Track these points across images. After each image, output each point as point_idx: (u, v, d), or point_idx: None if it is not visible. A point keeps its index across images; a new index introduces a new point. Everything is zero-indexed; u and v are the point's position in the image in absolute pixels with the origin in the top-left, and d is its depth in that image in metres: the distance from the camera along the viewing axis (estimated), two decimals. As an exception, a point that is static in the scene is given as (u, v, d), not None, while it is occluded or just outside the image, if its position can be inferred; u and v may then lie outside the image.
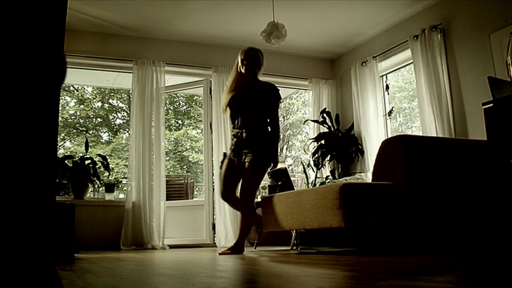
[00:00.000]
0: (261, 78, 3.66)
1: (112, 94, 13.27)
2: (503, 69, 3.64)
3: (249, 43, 4.64)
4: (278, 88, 3.60)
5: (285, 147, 15.41)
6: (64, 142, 12.47)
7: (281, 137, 15.39)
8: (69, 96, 12.62)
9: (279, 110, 3.63)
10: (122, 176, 10.45)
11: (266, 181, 4.79)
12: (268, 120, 3.53)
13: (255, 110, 3.49)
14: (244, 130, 3.46)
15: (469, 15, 4.18)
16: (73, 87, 12.42)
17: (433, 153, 3.00)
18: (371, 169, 3.58)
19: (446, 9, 4.42)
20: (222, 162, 3.64)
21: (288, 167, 11.36)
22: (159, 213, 4.86)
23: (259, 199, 4.51)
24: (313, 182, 5.37)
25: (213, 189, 5.16)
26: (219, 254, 3.32)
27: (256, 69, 3.54)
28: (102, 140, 13.22)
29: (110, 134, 13.43)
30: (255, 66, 3.53)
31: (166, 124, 12.61)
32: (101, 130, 13.45)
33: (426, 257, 2.36)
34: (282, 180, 4.37)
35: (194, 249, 4.63)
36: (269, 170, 3.63)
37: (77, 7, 4.49)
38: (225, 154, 3.69)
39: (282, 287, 1.35)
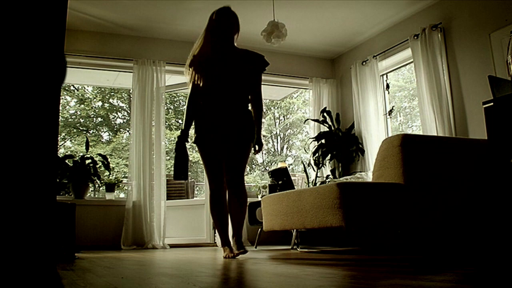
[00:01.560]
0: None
1: (113, 93, 13.27)
2: (503, 68, 3.63)
3: (249, 42, 4.64)
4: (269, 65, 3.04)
5: (285, 146, 15.41)
6: (65, 142, 12.48)
7: (282, 136, 15.41)
8: (70, 96, 12.62)
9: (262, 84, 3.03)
10: (123, 176, 10.46)
11: (266, 180, 4.79)
12: (250, 96, 2.97)
13: (238, 83, 2.92)
14: (225, 108, 2.89)
15: (469, 14, 4.18)
16: (74, 87, 12.42)
17: (433, 152, 3.00)
18: (372, 168, 3.59)
19: (446, 8, 4.42)
20: (181, 146, 2.99)
21: (289, 167, 11.37)
22: (160, 213, 4.87)
23: (259, 199, 4.51)
24: (314, 181, 5.37)
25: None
26: (224, 257, 2.86)
27: (234, 32, 2.94)
28: (102, 140, 13.23)
29: (111, 134, 13.44)
30: (234, 28, 2.93)
31: (167, 123, 12.61)
32: (102, 130, 13.45)
33: (427, 256, 2.36)
34: (283, 180, 4.37)
35: (195, 248, 4.63)
36: (257, 156, 3.21)
37: (77, 7, 4.49)
38: (183, 138, 3.00)
39: (283, 287, 1.35)
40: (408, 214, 2.82)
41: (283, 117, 15.47)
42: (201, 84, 2.90)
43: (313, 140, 5.55)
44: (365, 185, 2.89)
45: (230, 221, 3.04)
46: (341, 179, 4.43)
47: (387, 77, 5.45)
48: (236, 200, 2.98)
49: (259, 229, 4.39)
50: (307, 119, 6.01)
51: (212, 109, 2.91)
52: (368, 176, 4.24)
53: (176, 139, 3.01)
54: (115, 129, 13.49)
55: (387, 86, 5.38)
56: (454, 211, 2.93)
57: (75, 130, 12.71)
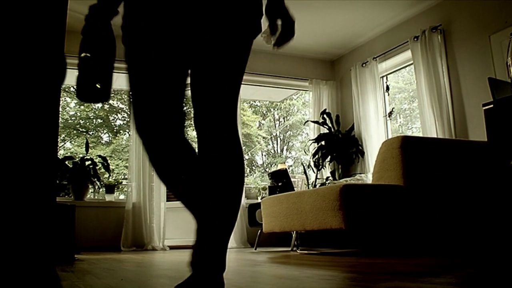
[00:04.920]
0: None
1: (112, 95, 13.28)
2: (503, 70, 3.64)
3: (250, 44, 4.64)
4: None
5: (285, 148, 15.41)
6: (65, 143, 12.47)
7: (281, 137, 15.39)
8: (70, 97, 12.62)
9: None
10: (122, 177, 10.45)
11: (266, 182, 4.78)
12: None
13: None
14: None
15: (469, 16, 4.18)
16: (74, 88, 12.43)
17: (433, 154, 3.00)
18: (372, 170, 3.58)
19: (446, 10, 4.43)
20: (103, 48, 1.40)
21: (289, 168, 11.37)
22: (160, 214, 4.86)
23: (259, 200, 4.51)
24: (314, 183, 5.36)
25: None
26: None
27: None
28: (102, 141, 13.22)
29: (111, 135, 13.43)
30: None
31: (166, 125, 12.56)
32: (102, 131, 13.45)
33: (427, 258, 2.36)
34: (283, 181, 4.37)
35: (194, 250, 4.62)
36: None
37: (78, 8, 4.47)
38: (102, 14, 1.35)
39: (283, 289, 1.35)
40: (408, 215, 2.82)
41: (283, 118, 15.48)
42: None
43: (313, 142, 5.54)
44: (365, 187, 2.89)
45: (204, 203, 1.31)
46: (341, 180, 4.43)
47: (387, 78, 5.45)
48: (217, 159, 1.29)
49: (259, 231, 4.39)
50: (307, 121, 6.01)
51: None
52: (368, 177, 4.24)
53: (85, 19, 1.35)
54: (115, 130, 13.48)
55: (387, 88, 5.38)
56: (454, 212, 2.92)
57: (75, 132, 12.70)
